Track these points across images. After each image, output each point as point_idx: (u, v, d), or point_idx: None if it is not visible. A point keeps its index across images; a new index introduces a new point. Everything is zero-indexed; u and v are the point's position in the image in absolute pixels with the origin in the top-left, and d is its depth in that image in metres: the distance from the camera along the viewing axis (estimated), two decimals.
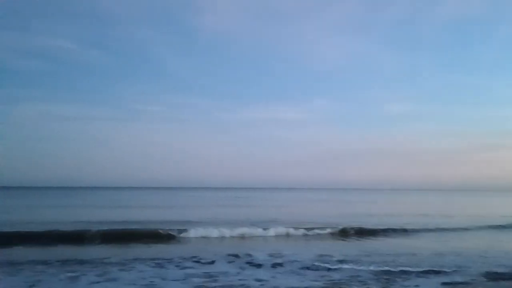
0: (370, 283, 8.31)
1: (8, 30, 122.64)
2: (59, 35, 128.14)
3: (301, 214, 27.37)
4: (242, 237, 16.00)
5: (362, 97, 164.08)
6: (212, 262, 10.45)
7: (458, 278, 8.86)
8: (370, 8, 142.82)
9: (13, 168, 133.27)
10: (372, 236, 16.88)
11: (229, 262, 10.58)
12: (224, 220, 20.86)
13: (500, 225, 21.04)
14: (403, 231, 18.11)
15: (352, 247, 14.21)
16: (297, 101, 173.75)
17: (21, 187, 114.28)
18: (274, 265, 10.16)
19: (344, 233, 17.23)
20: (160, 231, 15.66)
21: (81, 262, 10.18)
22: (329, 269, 9.66)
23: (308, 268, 9.88)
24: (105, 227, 16.18)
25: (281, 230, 17.01)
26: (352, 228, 17.88)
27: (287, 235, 16.67)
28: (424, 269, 9.73)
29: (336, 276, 8.97)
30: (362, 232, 17.43)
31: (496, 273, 9.42)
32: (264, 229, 16.90)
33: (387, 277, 8.92)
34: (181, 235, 15.57)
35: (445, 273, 9.41)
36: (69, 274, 8.80)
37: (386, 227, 18.78)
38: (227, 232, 16.06)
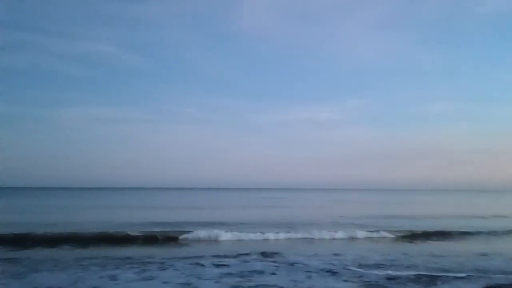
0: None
1: (54, 37, 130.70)
2: (100, 40, 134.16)
3: (353, 216, 26.78)
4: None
5: (400, 96, 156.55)
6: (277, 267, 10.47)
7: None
8: (407, 4, 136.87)
9: (57, 170, 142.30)
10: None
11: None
12: (275, 223, 20.85)
13: None
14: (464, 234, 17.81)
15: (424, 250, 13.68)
16: (331, 101, 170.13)
17: (63, 188, 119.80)
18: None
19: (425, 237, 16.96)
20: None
21: (122, 261, 10.59)
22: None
23: None
24: (146, 229, 16.77)
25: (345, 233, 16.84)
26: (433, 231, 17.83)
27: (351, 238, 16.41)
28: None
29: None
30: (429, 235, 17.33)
31: None
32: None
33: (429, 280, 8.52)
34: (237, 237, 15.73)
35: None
36: (110, 272, 9.18)
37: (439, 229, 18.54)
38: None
